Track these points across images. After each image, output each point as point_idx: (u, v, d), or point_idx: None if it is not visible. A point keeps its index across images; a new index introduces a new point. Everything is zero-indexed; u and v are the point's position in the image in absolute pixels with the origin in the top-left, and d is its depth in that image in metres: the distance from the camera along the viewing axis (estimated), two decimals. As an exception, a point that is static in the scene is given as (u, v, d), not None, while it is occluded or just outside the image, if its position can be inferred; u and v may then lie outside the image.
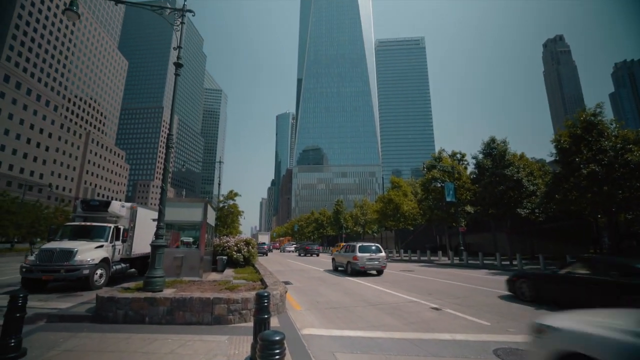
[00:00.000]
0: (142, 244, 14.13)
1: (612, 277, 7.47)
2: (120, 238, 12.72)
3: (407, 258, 33.15)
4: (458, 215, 28.83)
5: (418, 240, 43.87)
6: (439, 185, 30.96)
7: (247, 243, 17.05)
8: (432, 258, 30.29)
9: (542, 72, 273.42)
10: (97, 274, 10.82)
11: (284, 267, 23.02)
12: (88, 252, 10.78)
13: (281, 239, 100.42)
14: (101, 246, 11.53)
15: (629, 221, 22.28)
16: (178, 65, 9.45)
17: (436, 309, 8.42)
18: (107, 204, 13.32)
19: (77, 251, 10.46)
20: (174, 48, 10.35)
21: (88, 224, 12.45)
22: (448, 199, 27.51)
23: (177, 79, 9.51)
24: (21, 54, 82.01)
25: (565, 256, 18.88)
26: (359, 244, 17.12)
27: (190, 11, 10.05)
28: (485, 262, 24.11)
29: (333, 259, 20.12)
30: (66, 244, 10.83)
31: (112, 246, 12.17)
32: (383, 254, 17.04)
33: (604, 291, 7.51)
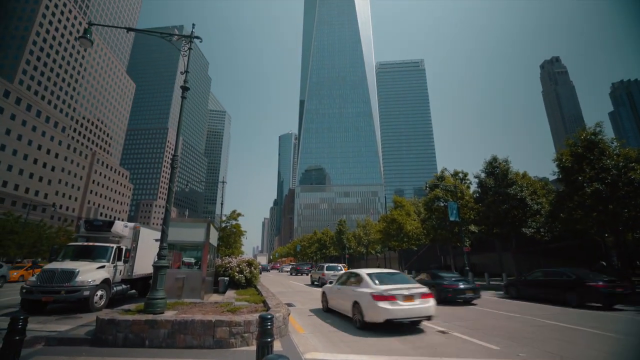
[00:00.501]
0: (143, 264, 13.95)
1: (559, 279, 14.02)
2: (122, 258, 12.54)
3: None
4: (462, 235, 28.48)
5: (422, 261, 43.15)
6: (442, 204, 30.78)
7: (249, 264, 16.87)
8: (437, 279, 29.61)
9: (540, 92, 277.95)
10: (97, 295, 10.61)
11: (286, 287, 22.61)
12: (89, 273, 10.62)
13: (283, 259, 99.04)
14: (103, 267, 11.37)
15: (636, 240, 21.90)
16: (185, 89, 9.76)
17: (443, 332, 8.19)
18: (111, 224, 13.28)
19: (78, 272, 10.32)
20: (180, 72, 10.73)
21: (90, 244, 12.33)
22: (452, 219, 27.26)
23: (184, 102, 9.80)
24: (33, 78, 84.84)
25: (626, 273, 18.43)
26: (326, 265, 23.74)
27: (197, 37, 10.49)
28: (491, 282, 23.56)
29: (311, 276, 27.53)
30: (68, 265, 10.71)
31: (114, 267, 11.99)
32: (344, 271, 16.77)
33: (552, 288, 14.18)
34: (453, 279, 14.66)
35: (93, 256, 11.75)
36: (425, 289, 8.75)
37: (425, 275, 16.08)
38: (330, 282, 13.88)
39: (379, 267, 53.11)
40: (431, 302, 8.53)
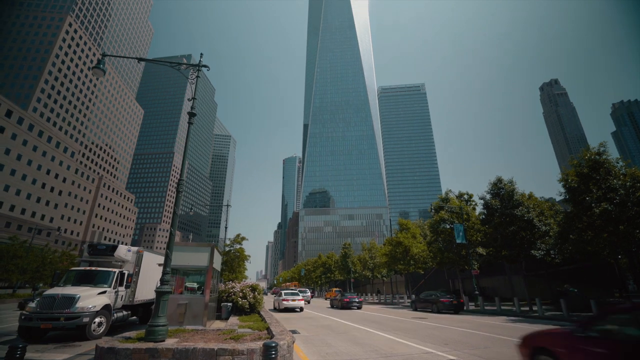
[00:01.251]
0: (145, 290, 13.71)
1: (430, 297, 21.42)
2: (124, 284, 12.31)
3: (419, 304, 31.46)
4: (470, 258, 27.83)
5: (430, 285, 41.97)
6: (448, 226, 30.36)
7: (253, 289, 16.54)
8: (446, 304, 28.67)
9: (542, 113, 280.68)
10: (95, 322, 10.30)
11: (290, 314, 21.96)
12: (90, 299, 10.42)
13: (287, 284, 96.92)
14: (104, 292, 11.15)
15: (651, 262, 21.19)
16: (191, 115, 10.05)
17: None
18: (114, 248, 13.15)
19: (79, 297, 10.12)
20: (188, 99, 11.09)
21: (93, 268, 12.19)
22: (458, 241, 26.78)
23: (190, 128, 10.05)
24: (47, 105, 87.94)
25: (589, 302, 17.76)
26: (284, 290, 27.22)
27: (205, 66, 10.92)
28: (502, 307, 22.71)
29: (274, 301, 29.19)
30: (69, 290, 10.54)
31: (115, 292, 11.76)
32: (300, 296, 25.07)
33: (428, 302, 22.62)
34: (349, 295, 27.35)
35: (95, 281, 11.57)
36: (299, 296, 24.16)
37: (337, 293, 34.79)
38: (290, 305, 24.26)
39: (384, 291, 51.61)
40: (302, 302, 23.91)
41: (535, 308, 20.31)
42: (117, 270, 12.08)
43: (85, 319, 9.87)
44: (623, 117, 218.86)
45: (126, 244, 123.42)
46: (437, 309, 22.62)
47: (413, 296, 29.57)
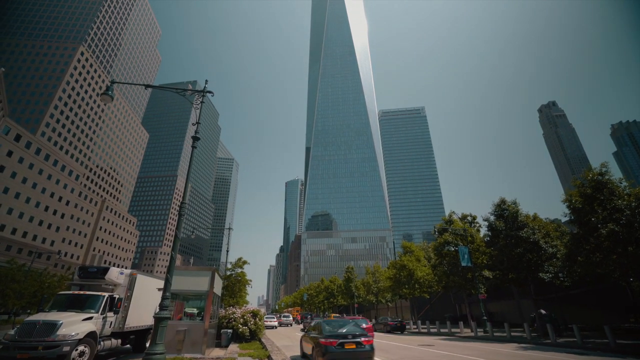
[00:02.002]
0: (138, 315, 12.98)
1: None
2: (114, 309, 11.56)
3: (425, 330, 30.35)
4: (476, 281, 27.13)
5: (436, 310, 40.70)
6: (453, 249, 29.86)
7: (254, 314, 16.12)
8: (452, 330, 27.69)
9: (542, 135, 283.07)
10: (77, 351, 9.49)
11: (292, 340, 21.20)
12: (73, 326, 9.71)
13: (289, 309, 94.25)
14: (90, 318, 10.45)
15: (664, 285, 20.54)
16: (195, 139, 10.25)
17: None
18: (105, 270, 12.44)
19: (61, 324, 9.43)
20: (192, 124, 11.36)
21: (81, 292, 11.48)
22: (463, 264, 26.22)
23: (194, 151, 10.23)
24: (55, 130, 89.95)
25: (602, 326, 17.07)
26: (266, 315, 31.14)
27: (209, 92, 11.27)
28: (512, 333, 21.85)
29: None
30: (52, 316, 9.88)
31: (103, 318, 11.03)
32: (275, 319, 39.40)
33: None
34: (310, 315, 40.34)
35: (83, 306, 10.85)
36: (274, 318, 39.51)
37: (303, 316, 46.34)
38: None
39: (389, 317, 49.96)
40: (275, 322, 39.17)
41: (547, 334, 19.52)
42: (106, 295, 11.38)
43: (66, 348, 9.14)
44: (623, 137, 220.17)
45: (126, 268, 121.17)
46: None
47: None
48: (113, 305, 11.55)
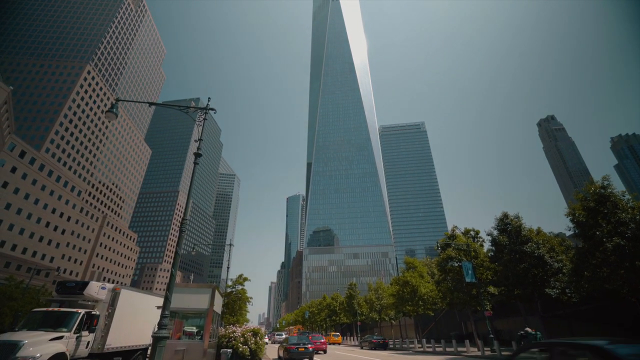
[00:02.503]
0: (124, 335, 12.05)
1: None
2: (90, 327, 10.71)
3: (430, 349, 29.48)
4: (482, 298, 26.57)
5: (441, 328, 39.71)
6: (456, 264, 29.40)
7: (254, 333, 15.75)
8: (459, 349, 26.88)
9: (542, 148, 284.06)
10: None
11: None
12: (38, 346, 8.87)
13: (291, 327, 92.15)
14: (60, 337, 9.58)
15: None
16: (197, 156, 10.33)
17: None
18: (84, 285, 11.57)
19: (23, 345, 8.61)
20: (195, 140, 11.49)
21: (55, 309, 10.71)
22: (468, 280, 25.75)
23: (196, 167, 10.29)
24: (59, 146, 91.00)
25: None
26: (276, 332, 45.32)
27: (212, 109, 11.45)
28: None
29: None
30: (16, 336, 9.11)
31: (77, 338, 10.12)
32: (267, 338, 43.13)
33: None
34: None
35: (57, 324, 10.02)
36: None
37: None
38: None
39: (393, 335, 48.68)
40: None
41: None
42: (82, 312, 10.48)
43: None
44: (624, 150, 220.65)
45: (125, 284, 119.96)
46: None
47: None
48: (91, 323, 10.74)
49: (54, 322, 10.12)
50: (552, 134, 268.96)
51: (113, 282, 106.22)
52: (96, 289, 11.73)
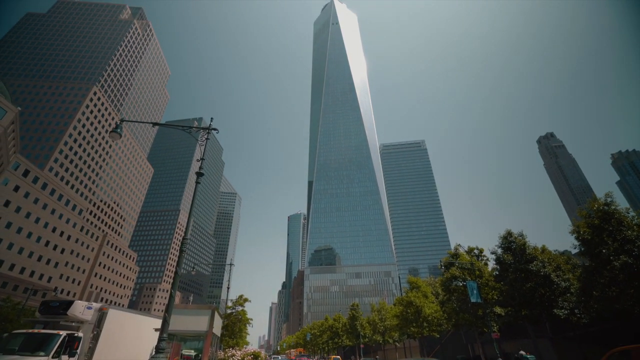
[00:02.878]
0: (111, 357, 11.35)
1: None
2: (71, 351, 9.99)
3: (437, 374, 28.35)
4: (488, 319, 25.83)
5: (447, 350, 38.41)
6: (461, 284, 28.79)
7: (255, 357, 15.27)
8: (467, 374, 25.82)
9: (542, 165, 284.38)
10: None
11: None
12: None
13: (291, 350, 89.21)
14: None
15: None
16: (199, 175, 10.41)
17: None
18: (68, 305, 10.97)
19: None
20: (197, 159, 11.60)
21: (36, 331, 10.11)
22: (473, 300, 25.11)
23: (197, 187, 10.34)
24: (62, 165, 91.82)
25: None
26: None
27: (214, 129, 11.64)
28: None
29: None
30: None
31: None
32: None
33: None
34: None
35: (36, 347, 9.44)
36: None
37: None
38: None
39: (397, 358, 46.99)
40: None
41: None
42: (63, 334, 9.88)
43: None
44: (625, 166, 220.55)
45: (122, 305, 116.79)
46: None
47: None
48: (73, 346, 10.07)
49: (34, 345, 9.55)
50: (552, 151, 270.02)
51: (111, 303, 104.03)
52: (81, 309, 11.16)
